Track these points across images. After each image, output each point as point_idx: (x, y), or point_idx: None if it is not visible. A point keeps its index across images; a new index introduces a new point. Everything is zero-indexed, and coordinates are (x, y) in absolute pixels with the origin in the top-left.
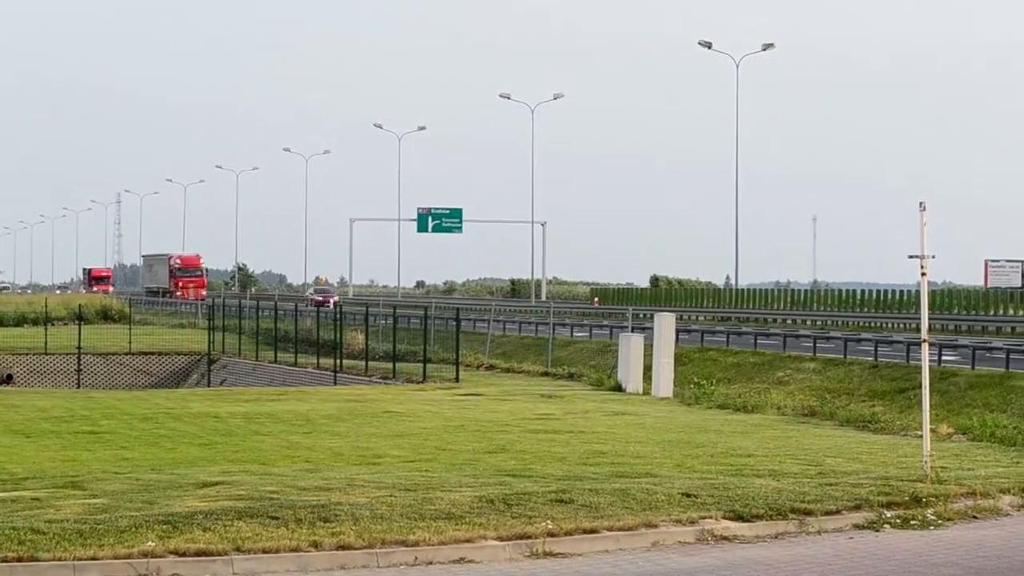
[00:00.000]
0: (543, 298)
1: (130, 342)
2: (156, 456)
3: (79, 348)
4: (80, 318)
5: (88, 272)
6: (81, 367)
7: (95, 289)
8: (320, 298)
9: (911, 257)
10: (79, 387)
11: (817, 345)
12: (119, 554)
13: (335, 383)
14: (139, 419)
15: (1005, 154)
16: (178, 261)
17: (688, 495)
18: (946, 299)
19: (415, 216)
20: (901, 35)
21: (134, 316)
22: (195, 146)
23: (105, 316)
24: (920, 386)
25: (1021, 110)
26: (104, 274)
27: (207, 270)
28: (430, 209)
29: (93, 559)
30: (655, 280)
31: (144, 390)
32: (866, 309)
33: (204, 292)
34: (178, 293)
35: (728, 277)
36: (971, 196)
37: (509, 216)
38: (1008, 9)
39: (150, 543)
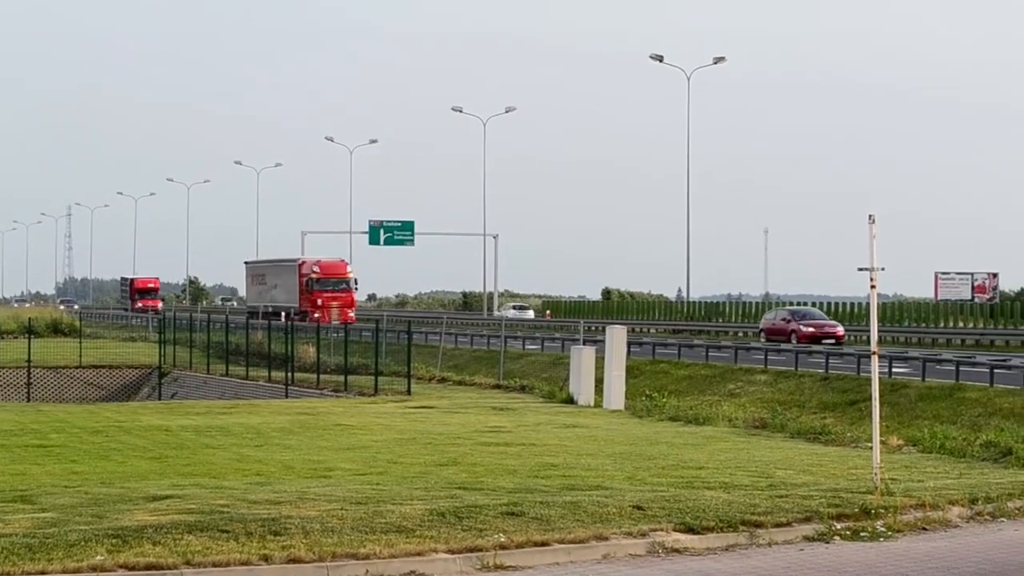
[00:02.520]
0: (495, 311)
1: (81, 355)
2: (106, 470)
3: (28, 361)
4: (30, 331)
5: (129, 283)
6: (31, 380)
7: (140, 305)
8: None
9: (860, 270)
10: (29, 400)
11: (768, 357)
12: (68, 568)
13: (286, 396)
14: (89, 432)
15: (955, 168)
16: (317, 269)
17: (639, 508)
18: (897, 311)
19: (367, 229)
20: (852, 51)
21: (84, 330)
22: (146, 159)
23: (55, 330)
24: (871, 398)
25: (971, 124)
26: (150, 285)
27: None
28: (382, 222)
29: (42, 573)
30: (607, 293)
31: (95, 403)
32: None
33: (354, 314)
34: (316, 315)
35: (680, 290)
36: (921, 209)
37: (461, 229)
38: (957, 30)
39: (99, 557)
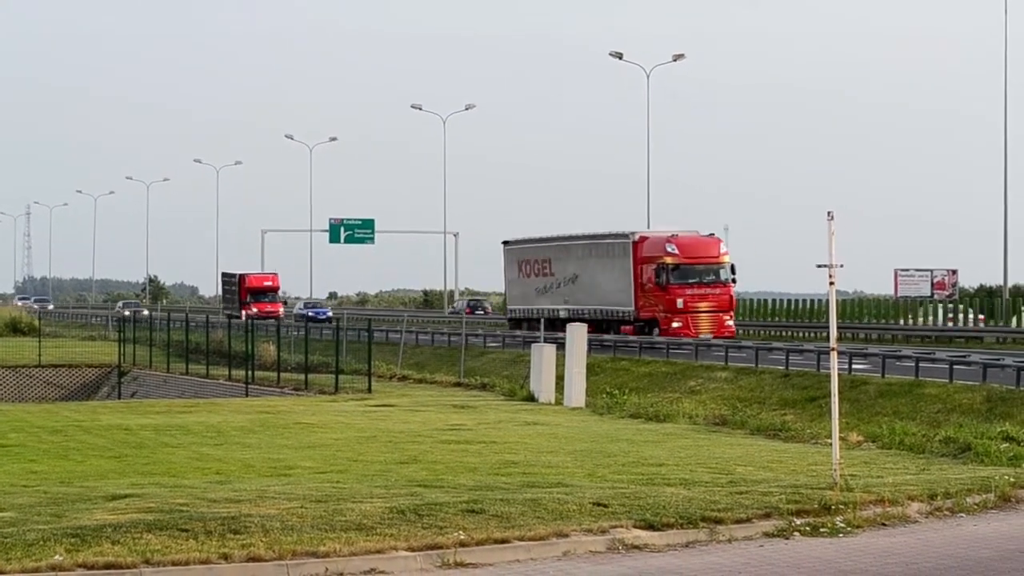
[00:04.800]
0: (456, 309)
1: (40, 355)
2: (65, 469)
3: None
4: None
5: (237, 281)
6: None
7: (255, 310)
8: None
9: (819, 266)
10: None
11: (729, 354)
12: (27, 568)
13: (247, 395)
14: (48, 432)
15: (913, 166)
16: (673, 249)
17: (599, 504)
18: (856, 308)
19: (327, 227)
20: (810, 51)
21: (44, 328)
22: (105, 158)
23: (14, 329)
24: (830, 394)
25: (928, 124)
26: (268, 283)
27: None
28: (342, 220)
29: (0, 573)
30: None
31: (54, 403)
32: (778, 318)
33: (732, 323)
34: (675, 325)
35: None
36: (880, 206)
37: (422, 227)
38: (910, 31)
39: (58, 557)
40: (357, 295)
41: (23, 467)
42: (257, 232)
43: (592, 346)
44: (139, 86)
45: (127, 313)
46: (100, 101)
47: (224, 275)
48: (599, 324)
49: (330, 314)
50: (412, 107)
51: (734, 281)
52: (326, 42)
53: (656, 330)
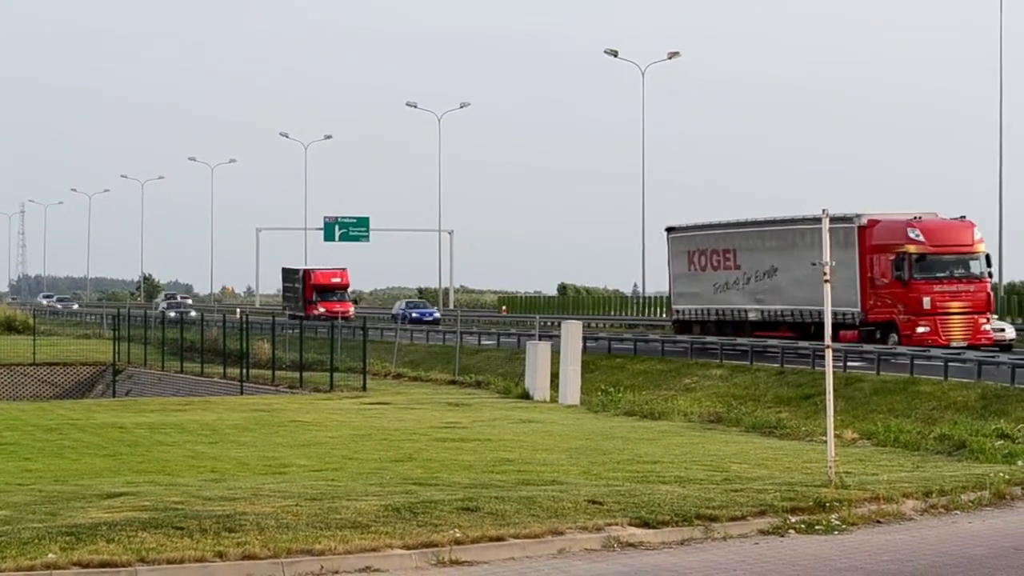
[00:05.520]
0: (451, 307)
1: (34, 353)
2: (60, 467)
3: None
4: None
5: (302, 277)
6: None
7: (322, 309)
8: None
9: (813, 264)
10: None
11: (724, 352)
12: (22, 566)
13: (242, 393)
14: (43, 430)
15: (909, 165)
16: (917, 235)
17: (594, 502)
18: None
19: (322, 225)
20: (804, 48)
21: (38, 327)
22: (100, 156)
23: (9, 327)
24: (825, 392)
25: (926, 124)
26: (336, 280)
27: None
28: (337, 218)
29: None
30: (563, 288)
31: (48, 401)
32: None
33: (990, 325)
34: (920, 329)
35: (636, 285)
36: (873, 203)
37: (417, 225)
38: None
39: (53, 555)
40: (352, 293)
41: (18, 465)
42: (252, 230)
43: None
44: (134, 85)
45: (172, 314)
46: (95, 100)
47: (286, 271)
48: (802, 328)
49: (438, 315)
50: (407, 105)
51: (990, 275)
52: (321, 40)
53: (893, 336)
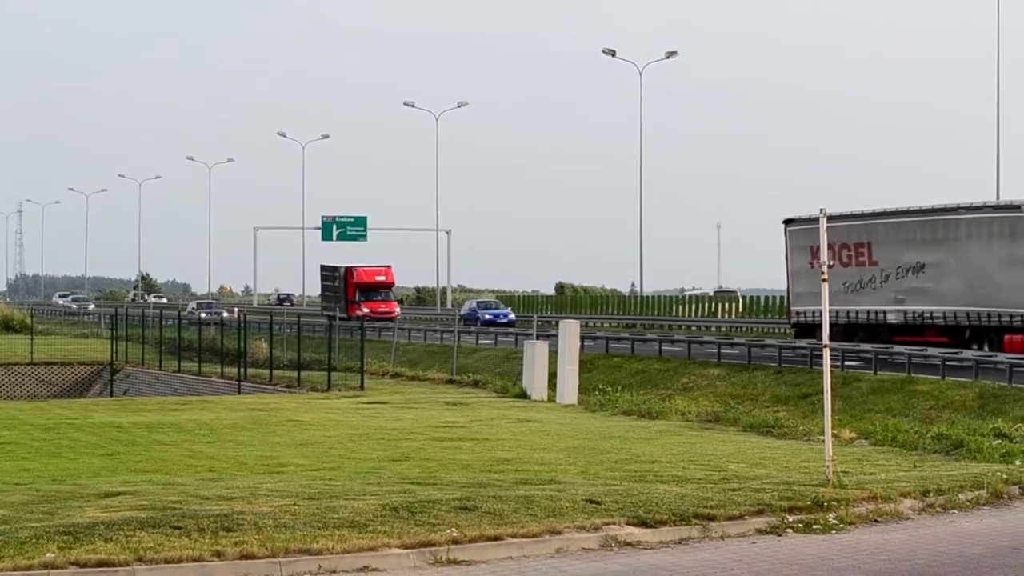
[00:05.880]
0: (448, 306)
1: (32, 352)
2: (57, 467)
3: None
4: None
5: (343, 275)
6: None
7: (366, 310)
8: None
9: (811, 263)
10: None
11: (721, 351)
12: (19, 566)
13: (239, 392)
14: (40, 429)
15: (906, 164)
16: None
17: (592, 501)
18: None
19: (319, 224)
20: (803, 48)
21: (36, 326)
22: (97, 156)
23: (6, 327)
24: (823, 391)
25: (926, 123)
26: (380, 278)
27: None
28: (334, 217)
29: None
30: (560, 287)
31: (46, 400)
32: (770, 315)
33: None
34: None
35: (633, 284)
36: (872, 203)
37: (414, 224)
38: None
39: (51, 554)
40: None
41: (15, 465)
42: (250, 230)
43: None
44: (133, 85)
45: (203, 315)
46: (93, 99)
47: (324, 268)
48: (955, 332)
49: (512, 316)
50: (405, 104)
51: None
52: (319, 40)
53: None
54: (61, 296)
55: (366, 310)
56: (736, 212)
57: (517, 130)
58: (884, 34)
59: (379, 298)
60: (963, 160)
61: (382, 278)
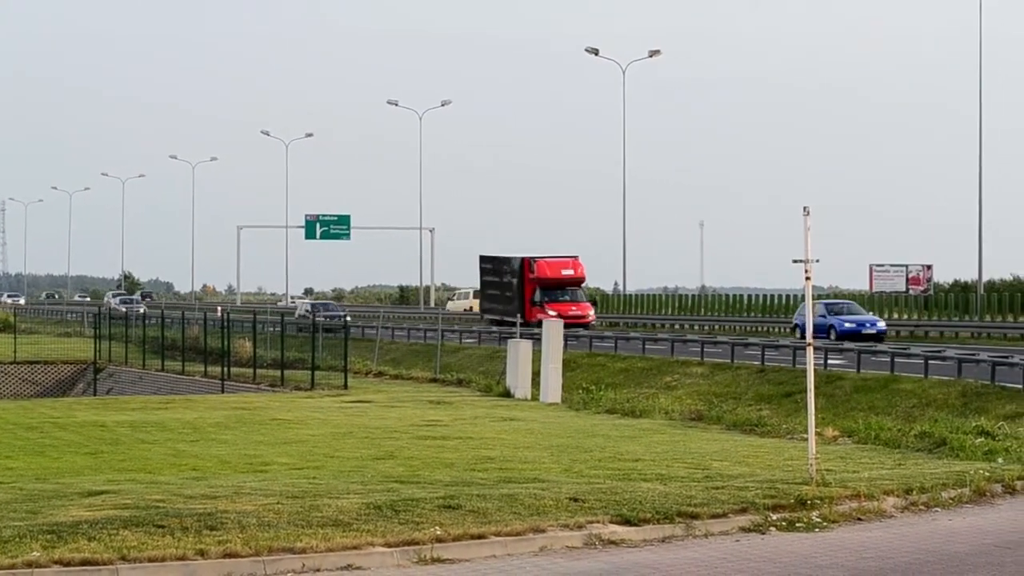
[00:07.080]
0: (432, 305)
1: (15, 351)
2: (41, 466)
3: None
4: None
5: (519, 267)
6: None
7: (552, 313)
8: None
9: (795, 261)
10: None
11: (705, 350)
12: (2, 565)
13: (223, 391)
14: (24, 428)
15: (888, 162)
16: None
17: (576, 500)
18: None
19: (303, 223)
20: (786, 46)
21: (19, 325)
22: (80, 154)
23: None
24: (806, 389)
25: (902, 120)
26: (567, 273)
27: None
28: (318, 216)
29: None
30: None
31: (29, 399)
32: (753, 314)
33: None
34: None
35: (616, 283)
36: (855, 202)
37: (398, 222)
38: (891, 30)
39: (34, 553)
40: (333, 291)
41: None
42: (233, 228)
43: (568, 341)
44: (114, 82)
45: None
46: (75, 97)
47: (487, 260)
48: None
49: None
50: (388, 103)
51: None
52: (303, 38)
53: None
54: (116, 295)
55: (552, 313)
56: (720, 210)
57: (501, 129)
58: (884, 34)
59: (567, 298)
60: (939, 156)
61: (570, 272)
